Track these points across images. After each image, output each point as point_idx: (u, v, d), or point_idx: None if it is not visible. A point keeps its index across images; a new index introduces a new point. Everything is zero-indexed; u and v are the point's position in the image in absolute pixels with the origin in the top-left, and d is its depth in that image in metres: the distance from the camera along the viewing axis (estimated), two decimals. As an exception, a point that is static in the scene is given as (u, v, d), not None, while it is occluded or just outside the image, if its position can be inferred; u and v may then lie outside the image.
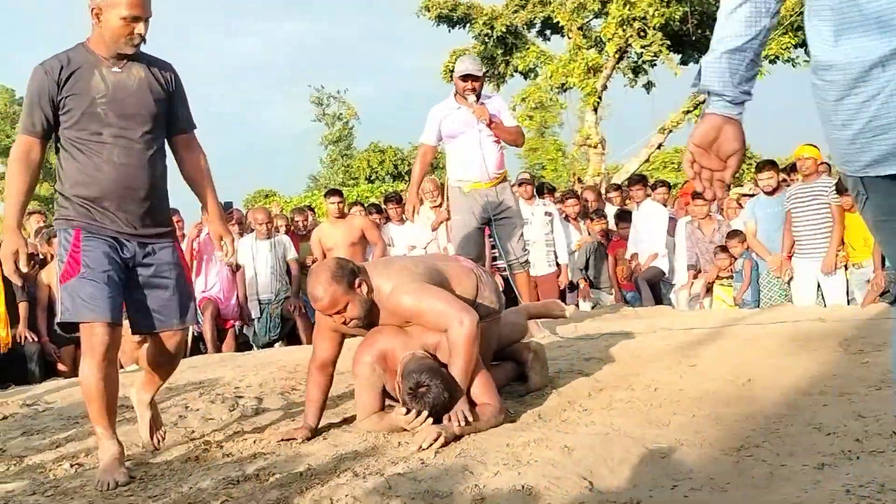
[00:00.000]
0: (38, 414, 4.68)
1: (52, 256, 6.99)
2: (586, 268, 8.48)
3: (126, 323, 6.86)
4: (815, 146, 7.21)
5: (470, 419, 3.18)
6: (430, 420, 3.19)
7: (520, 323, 4.25)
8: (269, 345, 7.56)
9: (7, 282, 6.71)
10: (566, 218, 8.82)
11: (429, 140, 5.82)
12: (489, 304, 3.69)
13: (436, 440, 3.03)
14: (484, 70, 5.69)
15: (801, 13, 11.94)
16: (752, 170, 8.75)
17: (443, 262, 3.87)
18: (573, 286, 8.58)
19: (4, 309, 6.69)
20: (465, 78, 5.57)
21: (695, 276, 8.10)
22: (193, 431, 3.84)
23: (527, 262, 5.84)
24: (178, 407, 4.42)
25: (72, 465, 3.42)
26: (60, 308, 3.14)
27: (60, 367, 7.02)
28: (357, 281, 3.40)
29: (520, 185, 8.62)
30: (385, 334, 3.50)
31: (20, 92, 36.21)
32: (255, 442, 3.50)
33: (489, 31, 17.22)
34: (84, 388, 3.18)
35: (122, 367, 6.69)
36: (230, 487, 2.82)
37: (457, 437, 3.13)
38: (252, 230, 8.00)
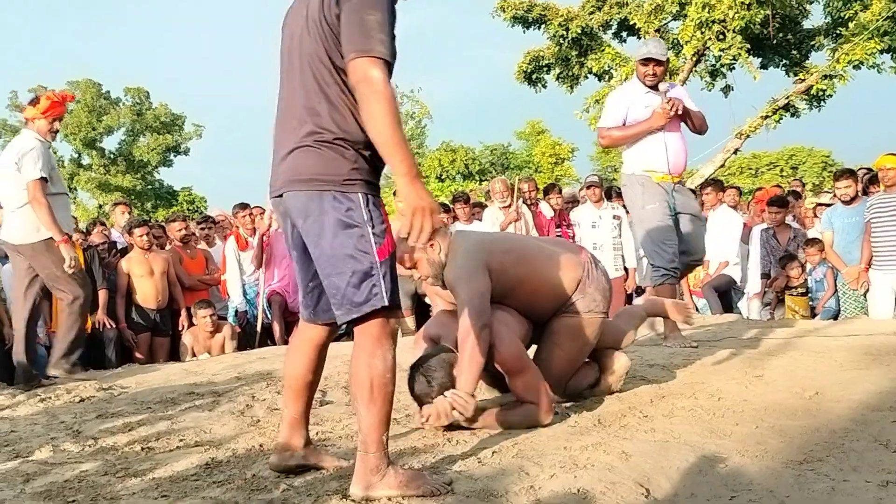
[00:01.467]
0: (114, 398, 4.86)
1: (133, 246, 7.25)
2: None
3: (205, 312, 7.12)
4: (899, 155, 6.99)
5: (444, 412, 3.25)
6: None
7: (621, 330, 4.08)
8: (336, 339, 7.67)
9: (88, 269, 6.98)
10: (635, 222, 8.72)
11: (614, 124, 5.39)
12: (590, 302, 3.68)
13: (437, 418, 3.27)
14: (667, 56, 5.34)
15: (888, 17, 11.61)
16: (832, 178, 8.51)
17: (555, 247, 3.88)
18: (640, 291, 8.49)
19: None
20: (647, 62, 5.26)
21: (768, 286, 7.94)
22: (259, 420, 3.94)
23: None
24: (245, 396, 4.54)
25: (143, 449, 3.54)
26: (382, 288, 2.54)
27: (137, 354, 7.26)
28: (430, 241, 3.43)
29: (588, 188, 8.59)
30: (438, 322, 3.59)
31: (107, 86, 37.52)
32: (317, 434, 3.57)
33: (564, 33, 17.11)
34: (381, 385, 2.54)
35: (194, 355, 6.92)
36: (291, 477, 2.89)
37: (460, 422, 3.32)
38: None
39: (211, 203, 36.25)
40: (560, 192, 9.26)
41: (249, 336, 7.76)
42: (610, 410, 3.59)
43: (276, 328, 7.69)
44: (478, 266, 3.47)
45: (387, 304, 2.54)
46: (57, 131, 5.70)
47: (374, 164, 2.61)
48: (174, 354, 7.37)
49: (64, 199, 5.73)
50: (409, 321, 7.81)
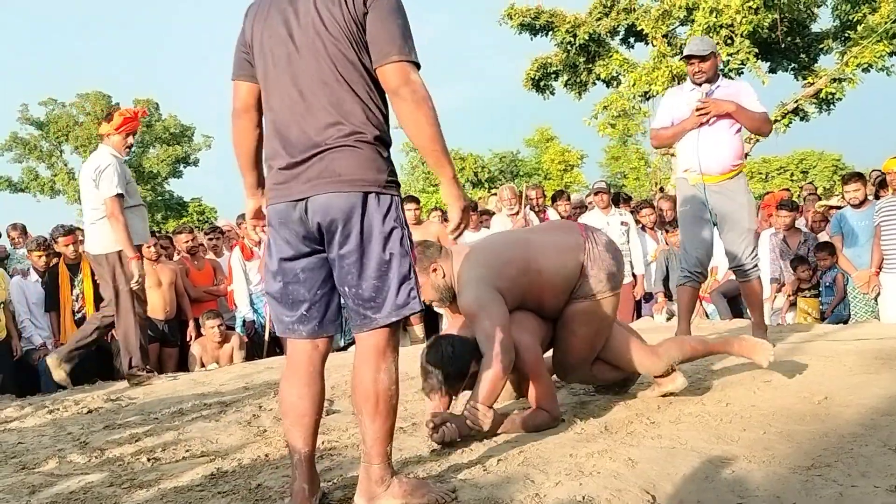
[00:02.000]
0: (121, 409, 4.86)
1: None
2: (667, 279, 8.32)
3: (213, 322, 7.12)
4: (907, 158, 6.95)
5: (450, 438, 3.24)
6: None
7: (643, 363, 3.81)
8: (344, 348, 7.67)
9: (94, 281, 7.01)
10: (643, 228, 8.70)
11: (660, 125, 5.34)
12: (595, 284, 3.59)
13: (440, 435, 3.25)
14: (710, 50, 5.15)
15: (897, 20, 11.54)
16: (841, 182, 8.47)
17: (552, 236, 3.76)
18: (648, 297, 8.46)
19: (94, 307, 6.96)
20: (690, 60, 5.15)
21: (778, 290, 7.89)
22: (265, 430, 3.93)
23: (755, 268, 5.17)
24: (252, 406, 4.53)
25: (149, 459, 3.53)
26: (417, 291, 2.54)
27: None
28: (433, 266, 3.56)
29: (596, 194, 8.57)
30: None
31: (116, 98, 37.71)
32: (322, 443, 3.56)
33: (572, 39, 17.08)
34: (386, 399, 2.52)
35: (202, 365, 6.93)
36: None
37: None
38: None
39: (221, 214, 36.35)
40: (568, 198, 9.25)
41: (257, 346, 7.76)
42: (617, 417, 3.57)
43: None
44: (492, 294, 3.43)
45: (423, 307, 2.57)
46: (131, 146, 5.99)
47: None
48: (182, 365, 7.38)
49: (141, 210, 6.00)
50: (418, 329, 7.80)
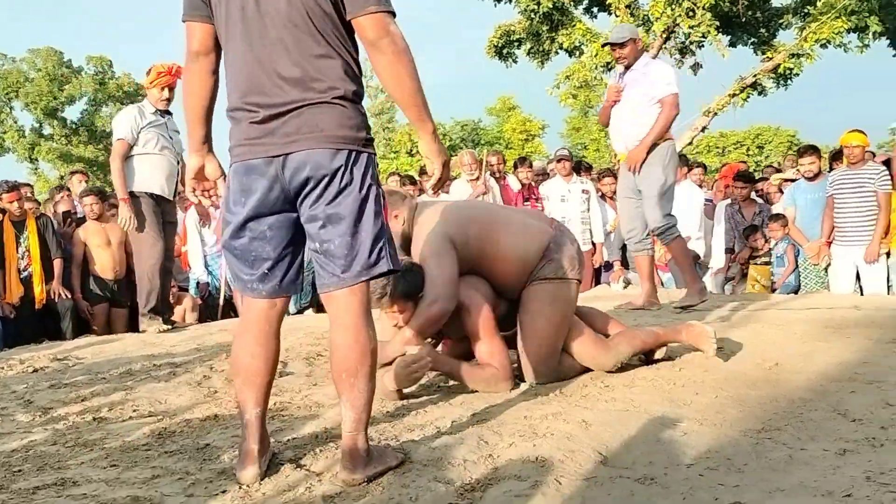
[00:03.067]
0: (68, 368, 4.75)
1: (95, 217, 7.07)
2: (625, 248, 8.35)
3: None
4: (863, 132, 7.02)
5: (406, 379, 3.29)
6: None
7: (595, 357, 3.66)
8: (300, 312, 7.61)
9: (42, 239, 6.83)
10: (603, 196, 8.72)
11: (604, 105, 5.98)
12: (556, 268, 3.55)
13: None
14: (629, 37, 5.62)
15: (856, -4, 11.63)
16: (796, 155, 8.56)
17: (522, 217, 3.82)
18: (608, 266, 8.50)
19: (40, 266, 6.79)
20: (611, 47, 5.67)
21: (732, 260, 7.98)
22: (216, 392, 3.87)
23: (668, 231, 5.45)
24: (203, 367, 4.46)
25: (94, 419, 3.45)
26: (387, 251, 2.46)
27: (93, 325, 7.12)
28: (395, 212, 3.60)
29: (558, 161, 8.56)
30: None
31: (68, 54, 36.78)
32: (275, 404, 3.51)
33: (535, 7, 16.92)
34: (373, 355, 2.44)
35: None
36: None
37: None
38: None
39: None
40: (530, 165, 9.22)
41: (210, 308, 7.65)
42: (572, 380, 3.57)
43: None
44: (448, 246, 3.44)
45: (392, 267, 2.46)
46: (169, 99, 6.17)
47: None
48: (133, 325, 7.24)
49: (156, 159, 6.11)
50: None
